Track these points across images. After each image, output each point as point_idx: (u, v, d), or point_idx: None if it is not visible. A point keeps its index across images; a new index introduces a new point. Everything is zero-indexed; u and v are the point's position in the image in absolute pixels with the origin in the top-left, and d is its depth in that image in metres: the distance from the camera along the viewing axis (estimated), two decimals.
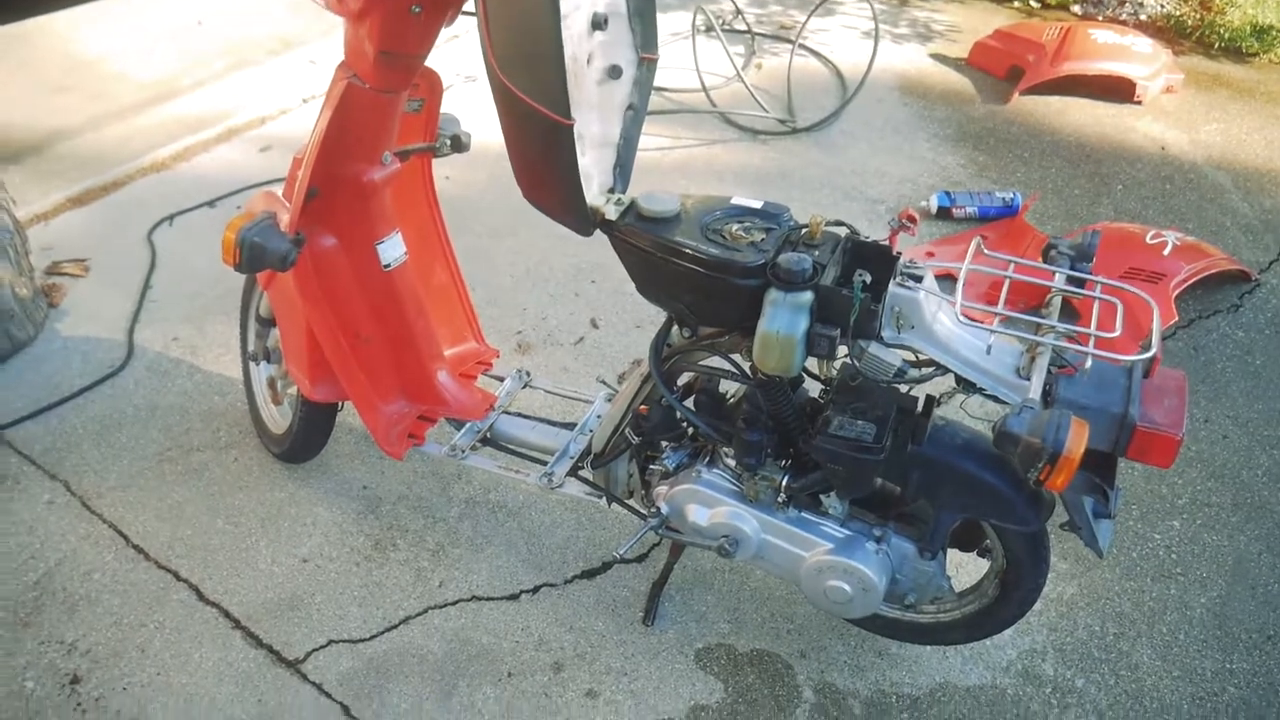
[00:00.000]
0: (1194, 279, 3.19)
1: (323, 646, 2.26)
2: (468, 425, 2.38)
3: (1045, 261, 1.74)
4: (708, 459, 2.00)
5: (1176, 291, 3.12)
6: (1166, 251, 3.24)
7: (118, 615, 2.33)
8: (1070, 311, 1.96)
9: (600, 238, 1.89)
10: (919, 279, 1.65)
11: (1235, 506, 2.63)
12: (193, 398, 2.92)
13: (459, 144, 2.20)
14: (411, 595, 2.37)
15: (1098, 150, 4.32)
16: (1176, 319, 3.16)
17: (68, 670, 2.22)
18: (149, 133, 4.21)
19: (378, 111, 1.92)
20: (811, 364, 1.79)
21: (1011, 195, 3.73)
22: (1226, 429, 2.87)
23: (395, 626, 2.30)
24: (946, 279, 2.43)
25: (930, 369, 1.72)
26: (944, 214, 3.73)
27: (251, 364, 2.65)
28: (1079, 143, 4.38)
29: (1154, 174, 4.15)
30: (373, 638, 2.28)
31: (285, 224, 1.92)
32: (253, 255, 1.82)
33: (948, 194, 3.76)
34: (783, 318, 1.63)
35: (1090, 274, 1.70)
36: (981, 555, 2.05)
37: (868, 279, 1.62)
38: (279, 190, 2.22)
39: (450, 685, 2.18)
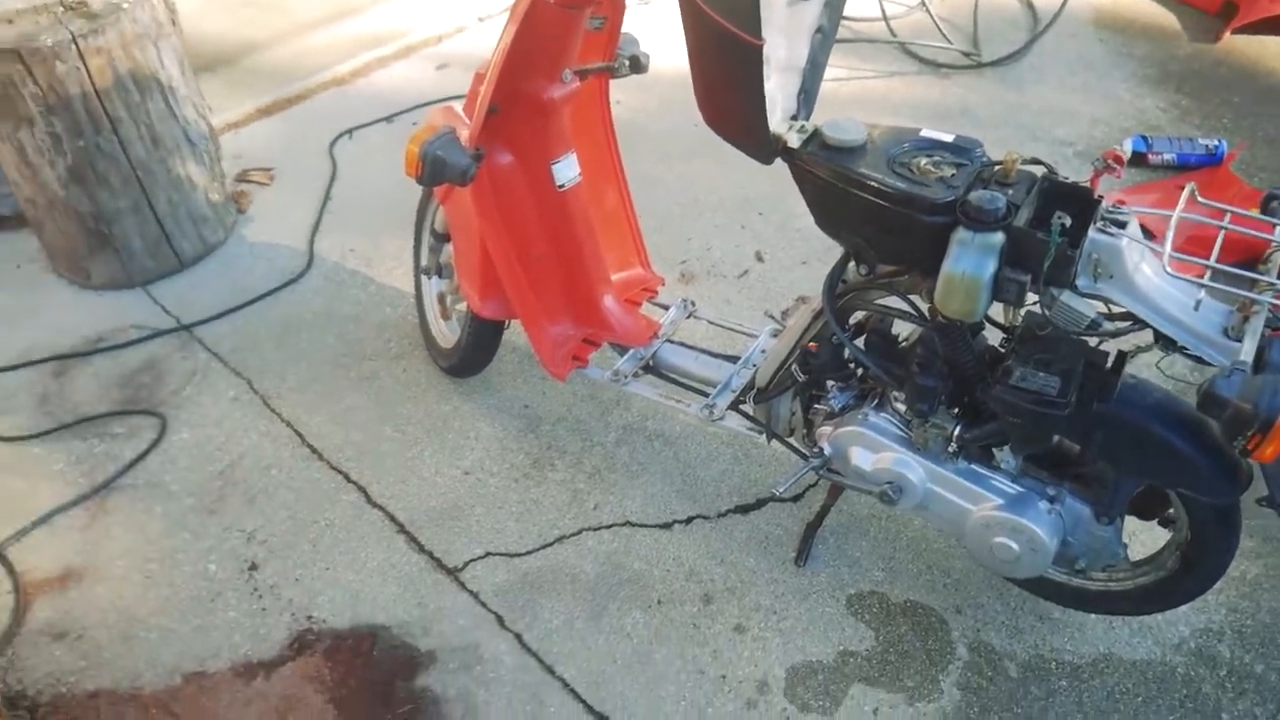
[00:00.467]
0: None
1: (480, 557, 2.33)
2: (631, 351, 2.38)
3: (1264, 214, 1.59)
4: (876, 402, 1.94)
5: None
6: None
7: (293, 510, 2.46)
8: None
9: (771, 169, 1.83)
10: (1122, 225, 1.54)
11: None
12: (366, 307, 3.03)
13: (637, 65, 2.16)
14: (567, 515, 2.41)
15: None
16: None
17: (247, 557, 2.36)
18: (330, 49, 4.33)
19: (562, 27, 1.90)
20: (994, 310, 1.71)
21: (1216, 143, 3.45)
22: None
23: (550, 544, 2.35)
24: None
25: (1126, 323, 1.61)
26: (1139, 160, 3.49)
27: (424, 278, 2.72)
28: None
29: None
30: (528, 553, 2.33)
31: (465, 139, 1.94)
32: (434, 169, 1.84)
33: (1144, 139, 3.50)
34: (970, 259, 1.55)
35: None
36: (1163, 525, 1.93)
37: (1067, 222, 1.52)
38: (458, 106, 2.25)
39: (601, 606, 2.22)
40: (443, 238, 2.54)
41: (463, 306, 2.58)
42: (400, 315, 2.99)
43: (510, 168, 2.11)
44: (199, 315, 3.01)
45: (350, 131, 3.79)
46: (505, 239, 2.17)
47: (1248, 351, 1.43)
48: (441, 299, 2.70)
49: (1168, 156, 3.44)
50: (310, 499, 2.48)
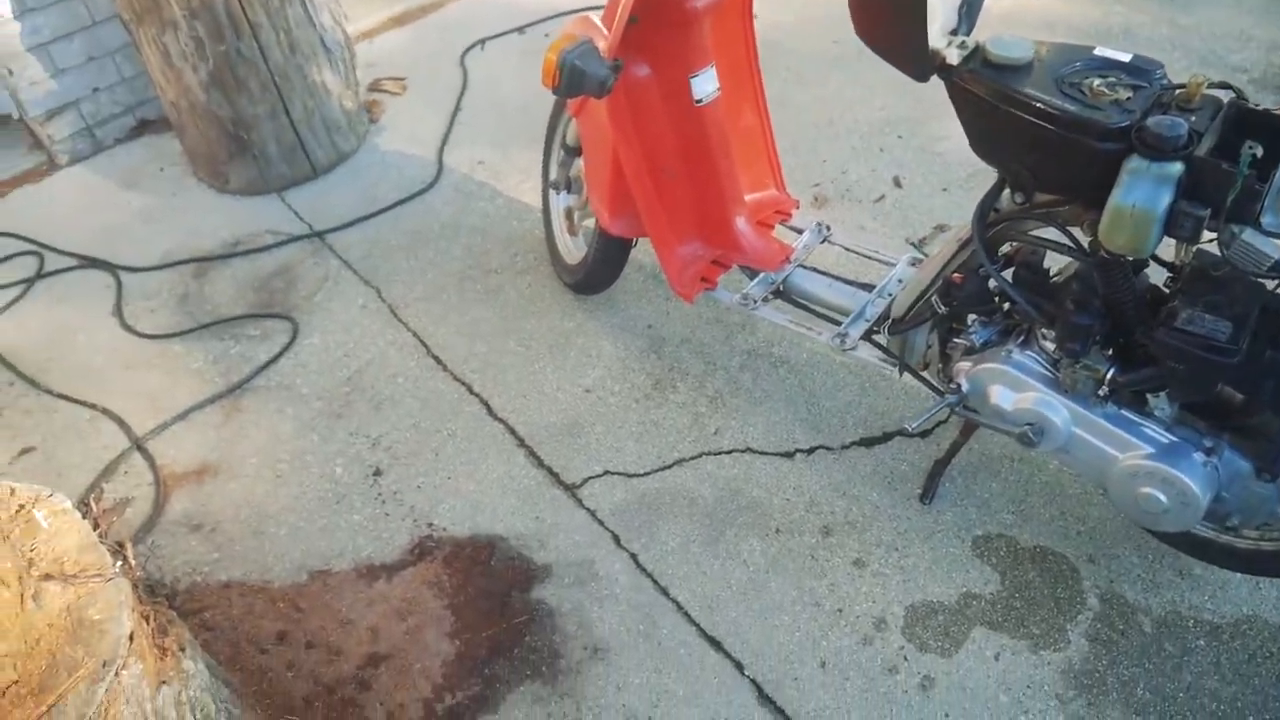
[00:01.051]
0: None
1: (599, 475, 2.33)
2: (761, 275, 2.32)
3: None
4: (1021, 339, 1.84)
5: None
6: None
7: (416, 419, 2.49)
8: None
9: (913, 89, 1.73)
10: None
11: None
12: (493, 220, 3.02)
13: None
14: (687, 438, 2.39)
15: None
16: None
17: (371, 463, 2.41)
18: None
19: None
20: (1163, 248, 1.59)
21: None
22: None
23: (669, 467, 2.34)
24: None
25: None
26: None
27: (552, 192, 2.69)
28: None
29: None
30: (647, 474, 2.32)
31: (603, 50, 1.88)
32: (572, 79, 1.79)
33: None
34: (1143, 190, 1.44)
35: None
36: None
37: (1258, 153, 1.38)
38: (595, 17, 2.18)
39: (718, 532, 2.20)
40: (573, 152, 2.50)
41: (590, 223, 2.55)
42: (527, 229, 2.98)
43: (648, 81, 2.05)
44: (331, 223, 3.06)
45: (482, 42, 3.77)
46: (639, 154, 2.12)
47: None
48: (569, 214, 2.68)
49: None
50: (434, 409, 2.51)
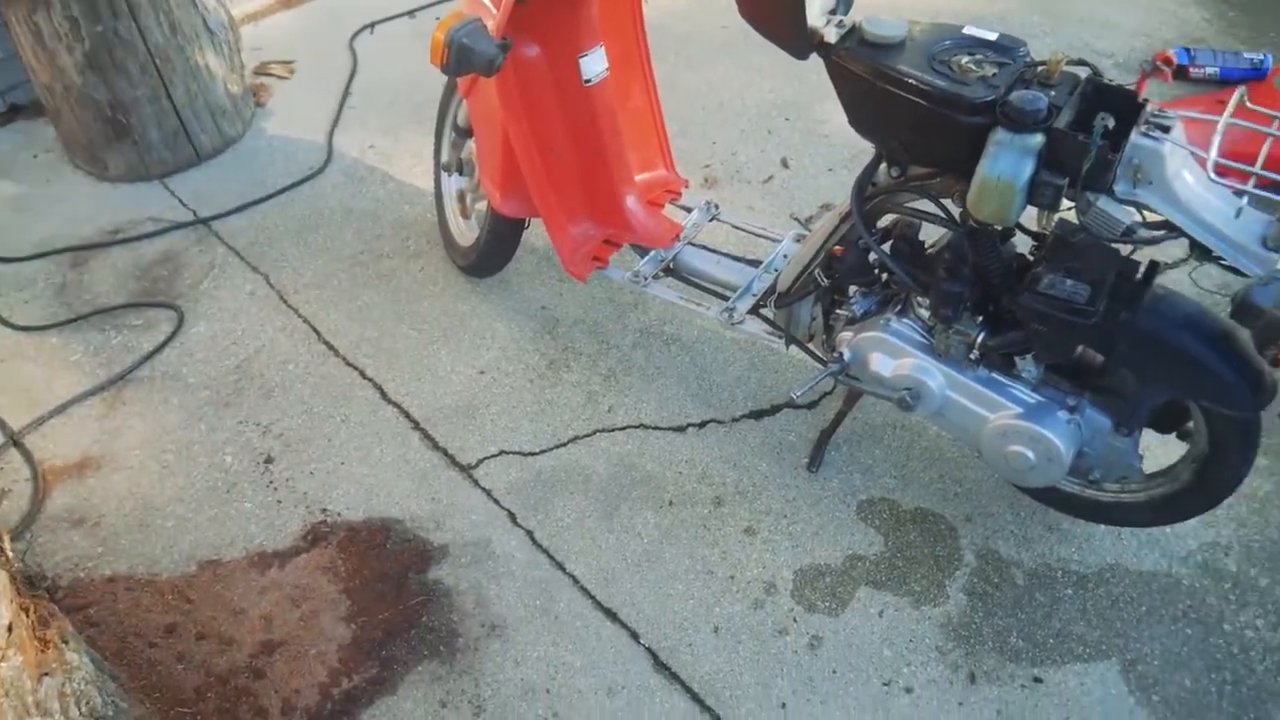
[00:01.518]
0: None
1: (494, 455, 2.34)
2: (652, 253, 2.36)
3: None
4: (899, 308, 1.92)
5: None
6: None
7: (308, 405, 2.47)
8: None
9: (800, 73, 1.80)
10: (1167, 129, 1.50)
11: None
12: (385, 205, 3.00)
13: None
14: (581, 416, 2.42)
15: None
16: None
17: (262, 450, 2.38)
18: None
19: None
20: (1026, 217, 1.68)
21: (1262, 57, 3.35)
22: None
23: (564, 444, 2.36)
24: None
25: (1163, 231, 1.58)
26: (1181, 74, 3.39)
27: (444, 175, 2.69)
28: None
29: None
30: (542, 452, 2.35)
31: (492, 29, 1.89)
32: (461, 57, 1.80)
33: (1187, 51, 3.40)
34: (1007, 161, 1.52)
35: None
36: (1181, 438, 1.93)
37: (1110, 124, 1.48)
38: None
39: (613, 506, 2.23)
40: (465, 133, 2.51)
41: (482, 205, 2.56)
42: (419, 213, 2.96)
43: (537, 60, 2.07)
44: (217, 209, 3.00)
45: (371, 26, 3.73)
46: (529, 134, 2.13)
47: None
48: (461, 197, 2.68)
49: (1210, 70, 3.35)
50: (326, 394, 2.49)
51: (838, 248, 1.95)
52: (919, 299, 1.88)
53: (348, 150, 3.20)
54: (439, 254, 2.82)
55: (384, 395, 2.48)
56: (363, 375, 2.53)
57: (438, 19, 3.73)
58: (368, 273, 2.80)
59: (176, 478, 2.32)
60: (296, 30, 3.73)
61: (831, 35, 1.69)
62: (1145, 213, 1.58)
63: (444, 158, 2.65)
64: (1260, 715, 1.88)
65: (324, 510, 2.25)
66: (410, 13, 3.79)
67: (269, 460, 2.35)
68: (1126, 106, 1.54)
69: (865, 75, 1.66)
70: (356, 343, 2.61)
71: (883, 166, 1.83)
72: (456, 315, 2.67)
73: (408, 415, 2.44)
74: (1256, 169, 1.45)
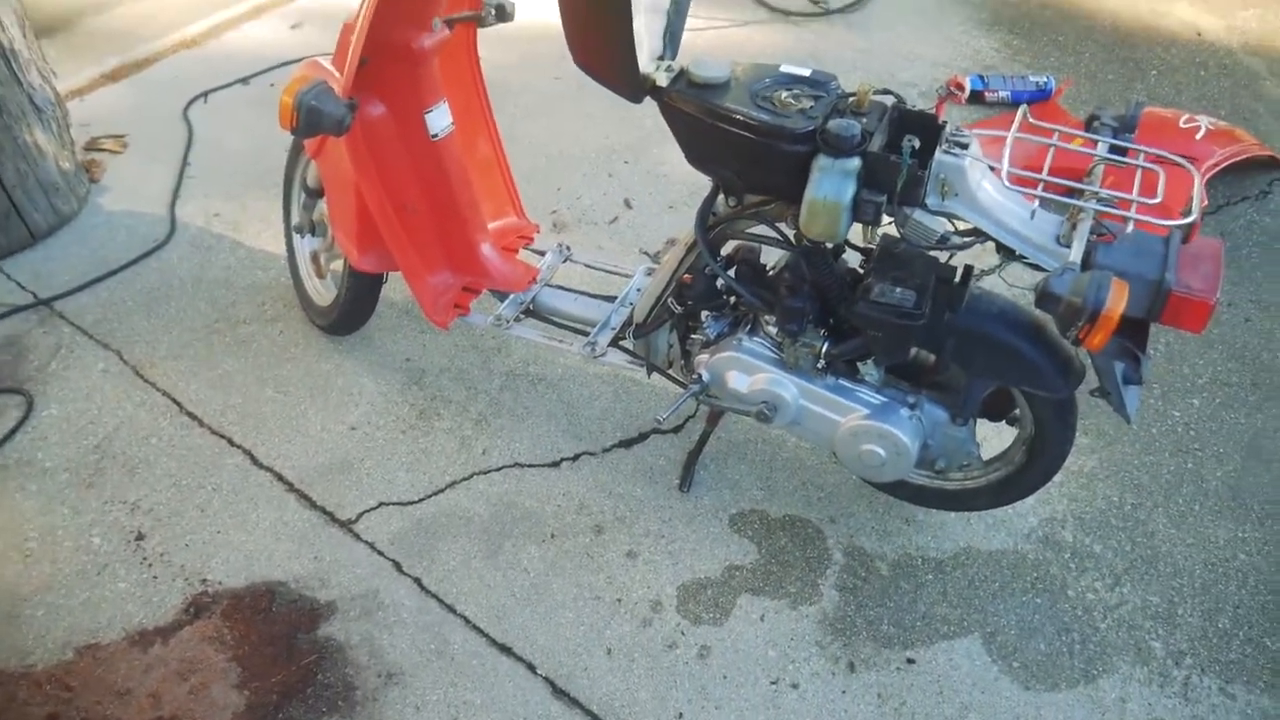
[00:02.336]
0: (1225, 164, 3.19)
1: (374, 508, 2.37)
2: (511, 297, 2.44)
3: (1089, 131, 1.77)
4: (749, 327, 2.06)
5: (1207, 176, 3.13)
6: (1199, 136, 3.24)
7: (176, 477, 2.44)
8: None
9: (634, 119, 1.92)
10: (965, 146, 1.68)
11: (1254, 386, 2.69)
12: (236, 272, 2.99)
13: (503, 13, 2.20)
14: (456, 462, 2.47)
15: (1132, 35, 4.26)
16: (1206, 204, 3.17)
17: (132, 528, 2.33)
18: (176, 9, 4.19)
19: None
20: (854, 235, 1.84)
21: (1045, 79, 3.70)
22: (1249, 312, 2.92)
23: (442, 490, 2.41)
24: None
25: (972, 237, 1.76)
26: (976, 98, 3.71)
27: (296, 236, 2.70)
28: (1114, 27, 4.32)
29: (1188, 60, 4.10)
30: (421, 500, 2.38)
31: (338, 90, 1.95)
32: (310, 118, 1.85)
33: (980, 77, 3.73)
34: (830, 183, 1.68)
35: (1133, 144, 1.72)
36: (1010, 424, 2.12)
37: (916, 145, 1.65)
38: (325, 60, 2.24)
39: (496, 545, 2.29)
40: (315, 193, 2.54)
41: (338, 264, 2.59)
42: (273, 277, 2.96)
43: (383, 118, 2.13)
44: (58, 289, 2.92)
45: (205, 95, 3.70)
46: (381, 190, 2.19)
47: (1076, 254, 1.59)
48: (315, 257, 2.70)
49: (1002, 93, 3.68)
50: (194, 465, 2.46)
51: (686, 276, 2.08)
52: (766, 317, 2.02)
53: (192, 220, 3.17)
54: (297, 316, 2.83)
55: (255, 460, 2.47)
56: (231, 443, 2.51)
57: (272, 85, 3.76)
58: (225, 340, 2.78)
59: (42, 565, 2.25)
60: (126, 103, 3.67)
61: (662, 79, 1.82)
62: (956, 221, 1.77)
63: (295, 220, 2.67)
64: (1107, 667, 2.08)
65: (204, 580, 2.22)
66: (244, 80, 3.78)
67: (140, 537, 2.31)
68: (929, 128, 1.72)
69: (696, 114, 1.79)
70: (221, 410, 2.59)
71: (721, 197, 1.96)
72: (321, 374, 2.68)
73: (281, 478, 2.43)
74: (1043, 176, 1.64)
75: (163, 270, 2.99)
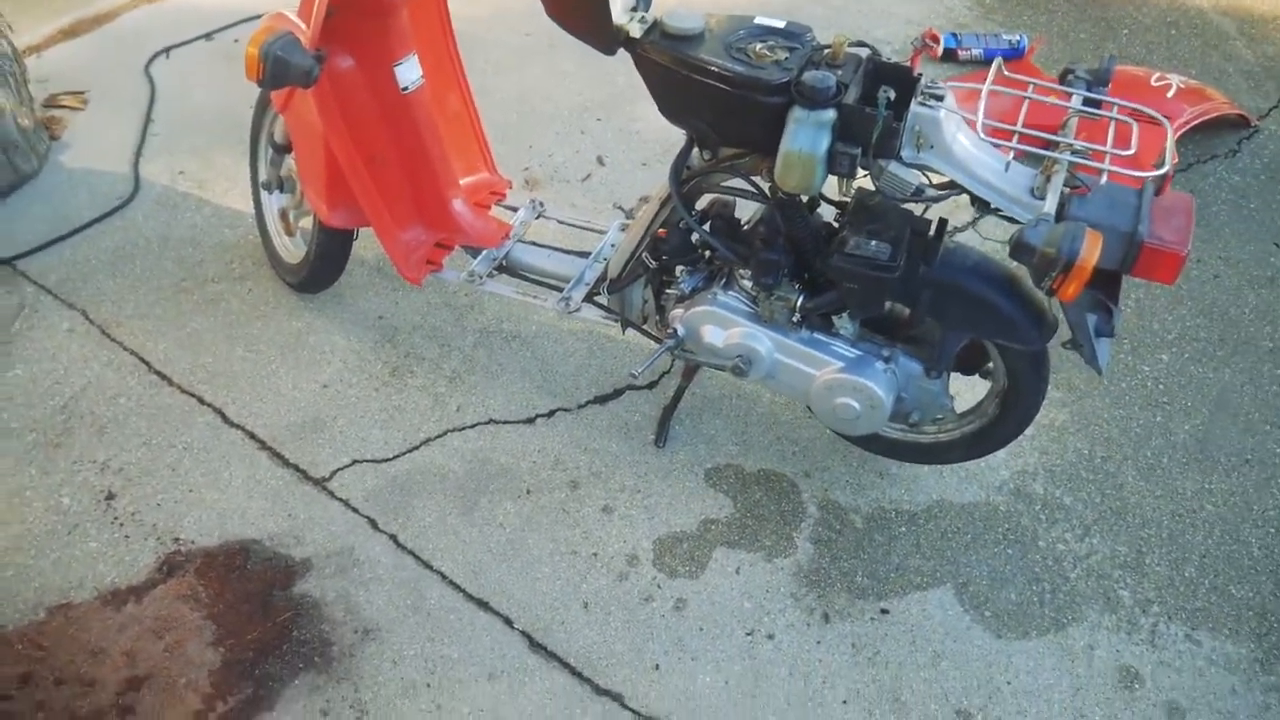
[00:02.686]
0: (1195, 121, 3.21)
1: (347, 466, 2.36)
2: (484, 253, 2.42)
3: (1063, 84, 1.77)
4: (724, 281, 2.05)
5: (1178, 134, 3.15)
6: (1170, 94, 3.25)
7: (146, 436, 2.41)
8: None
9: (606, 75, 1.90)
10: (940, 98, 1.68)
11: (1222, 341, 2.72)
12: (203, 230, 2.94)
13: None
14: (430, 419, 2.46)
15: None
16: (1177, 161, 3.19)
17: (102, 487, 2.31)
18: None
19: None
20: (829, 187, 1.83)
21: (1018, 38, 3.70)
22: (1218, 269, 2.95)
23: (416, 448, 2.40)
24: None
25: (946, 189, 1.76)
26: (950, 56, 3.70)
27: (264, 193, 2.66)
28: None
29: (1160, 19, 4.11)
30: (395, 458, 2.37)
31: (305, 42, 1.92)
32: (277, 70, 1.81)
33: (954, 35, 3.72)
34: (805, 135, 1.67)
35: (1107, 97, 1.72)
36: (983, 377, 2.14)
37: (891, 96, 1.64)
38: (290, 13, 2.20)
39: (472, 501, 2.29)
40: (283, 149, 2.50)
41: (307, 221, 2.56)
42: (241, 235, 2.92)
43: (352, 71, 2.10)
44: (19, 248, 2.87)
45: (167, 50, 3.62)
46: (351, 144, 2.16)
47: (1050, 206, 1.59)
48: (284, 214, 2.66)
49: (975, 51, 3.67)
50: (164, 424, 2.44)
51: (661, 231, 2.07)
52: (741, 271, 2.01)
53: (157, 178, 3.11)
54: (267, 274, 2.79)
55: (226, 419, 2.45)
56: (201, 401, 2.49)
57: (236, 41, 3.69)
58: (194, 299, 2.74)
59: (10, 526, 2.23)
60: (85, 59, 3.58)
61: (636, 30, 1.80)
62: (931, 174, 1.77)
63: (263, 176, 2.63)
64: (1076, 616, 2.11)
65: (176, 540, 2.21)
66: (207, 35, 3.70)
67: (110, 497, 2.29)
68: (904, 81, 1.71)
69: (670, 66, 1.78)
70: (191, 369, 2.56)
71: (695, 151, 1.95)
72: (292, 332, 2.66)
73: (253, 436, 2.42)
74: (1019, 128, 1.64)
75: (127, 229, 2.94)
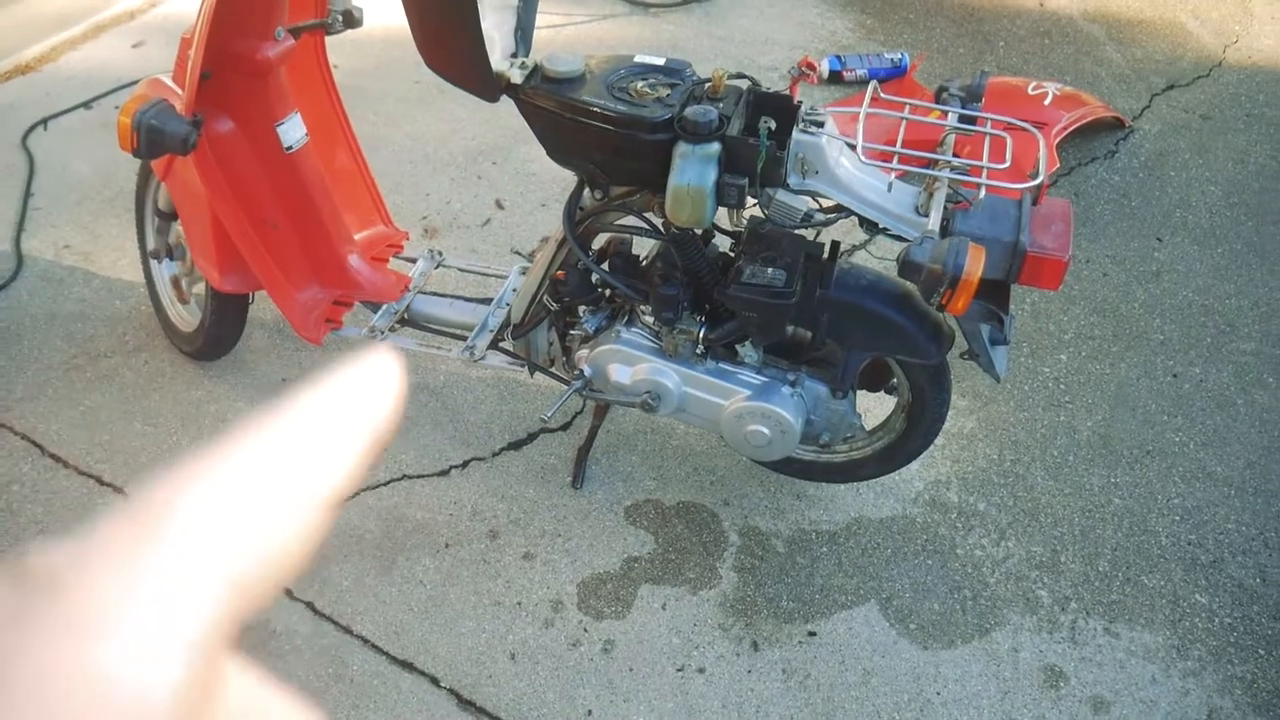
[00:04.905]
0: (1073, 126, 3.33)
1: None
2: (385, 307, 2.39)
3: (938, 103, 1.81)
4: (626, 319, 2.05)
5: (1058, 139, 3.26)
6: (1047, 101, 3.37)
7: (43, 524, 2.32)
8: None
9: (499, 119, 1.91)
10: (821, 125, 1.71)
11: (1116, 337, 2.81)
12: (92, 304, 2.85)
13: (351, 19, 2.15)
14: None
15: (980, 9, 4.40)
16: (1058, 166, 3.30)
17: None
18: (8, 33, 3.96)
19: None
20: (721, 218, 1.85)
21: (900, 56, 3.80)
22: (1106, 267, 3.05)
23: None
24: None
25: (835, 213, 1.79)
26: (835, 78, 3.78)
27: (153, 262, 2.59)
28: (962, 3, 4.45)
29: (1034, 30, 4.26)
30: None
31: (180, 107, 1.88)
32: (152, 139, 1.77)
33: (838, 58, 3.80)
34: (692, 170, 1.68)
35: (981, 113, 1.77)
36: (888, 393, 2.17)
37: (773, 126, 1.67)
38: (166, 78, 2.16)
39: (390, 560, 2.24)
40: (169, 216, 2.43)
41: (200, 287, 2.49)
42: (132, 307, 2.84)
43: (233, 134, 2.06)
44: None
45: (45, 122, 3.51)
46: (237, 208, 2.12)
47: (934, 222, 1.63)
48: (176, 282, 2.59)
49: (860, 72, 3.76)
50: (61, 509, 2.35)
51: (560, 272, 2.06)
52: (642, 307, 2.02)
53: (40, 254, 3.01)
54: (162, 344, 2.71)
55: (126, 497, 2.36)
56: (100, 482, 2.40)
57: (116, 107, 3.59)
58: (86, 376, 2.65)
59: None
60: None
61: (516, 76, 1.80)
62: (819, 199, 1.79)
63: (151, 245, 2.56)
64: (999, 620, 2.15)
65: None
66: (86, 104, 3.61)
67: None
68: (785, 109, 1.74)
69: (553, 109, 1.78)
70: (87, 449, 2.47)
71: (587, 191, 1.96)
72: (192, 402, 2.58)
73: None
74: (898, 149, 1.68)
75: (11, 309, 2.83)
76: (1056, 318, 2.86)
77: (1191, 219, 3.24)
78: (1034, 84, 3.47)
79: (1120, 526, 2.32)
